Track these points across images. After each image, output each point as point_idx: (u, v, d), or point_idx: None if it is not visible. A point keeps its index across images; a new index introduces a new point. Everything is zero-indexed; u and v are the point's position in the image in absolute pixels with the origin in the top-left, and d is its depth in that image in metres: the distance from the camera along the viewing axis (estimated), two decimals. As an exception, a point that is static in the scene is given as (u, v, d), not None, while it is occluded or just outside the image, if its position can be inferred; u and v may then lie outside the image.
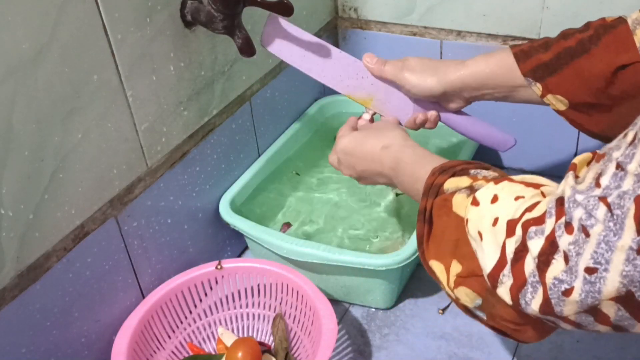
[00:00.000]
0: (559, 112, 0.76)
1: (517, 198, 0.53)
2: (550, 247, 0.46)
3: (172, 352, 0.84)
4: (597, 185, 0.44)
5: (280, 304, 0.86)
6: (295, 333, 0.84)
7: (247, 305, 0.88)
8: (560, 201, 0.47)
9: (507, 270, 0.51)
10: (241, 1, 0.77)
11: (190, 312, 0.86)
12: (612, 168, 0.43)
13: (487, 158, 1.15)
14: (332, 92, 1.22)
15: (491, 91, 0.79)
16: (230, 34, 0.78)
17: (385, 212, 1.01)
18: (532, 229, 0.48)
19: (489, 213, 0.54)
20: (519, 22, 1.01)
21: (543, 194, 0.54)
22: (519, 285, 0.49)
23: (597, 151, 0.48)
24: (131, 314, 0.80)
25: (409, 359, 0.85)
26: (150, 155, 0.79)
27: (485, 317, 0.57)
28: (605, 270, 0.43)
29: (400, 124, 0.85)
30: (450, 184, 0.60)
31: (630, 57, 0.69)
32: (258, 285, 0.87)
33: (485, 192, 0.56)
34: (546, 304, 0.47)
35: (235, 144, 0.97)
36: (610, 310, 0.45)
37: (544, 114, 0.94)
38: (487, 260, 0.53)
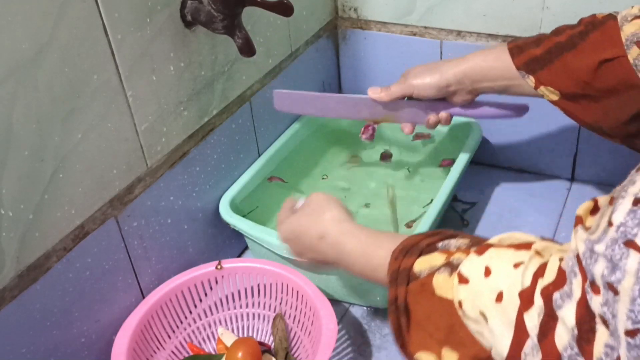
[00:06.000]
0: (552, 102, 0.80)
1: (516, 265, 0.48)
2: (587, 313, 0.40)
3: (172, 352, 0.84)
4: (610, 224, 0.38)
5: (280, 304, 0.86)
6: (295, 333, 0.84)
7: (247, 305, 0.88)
8: (579, 258, 0.41)
9: (530, 347, 0.44)
10: (241, 1, 0.77)
11: (190, 312, 0.86)
12: (627, 204, 0.37)
13: (488, 156, 1.15)
14: (332, 91, 1.23)
15: (490, 84, 0.84)
16: (230, 34, 0.78)
17: (382, 214, 1.01)
18: (557, 295, 0.42)
19: (487, 288, 0.48)
20: (519, 22, 1.01)
21: (539, 253, 0.48)
22: None
23: (602, 197, 0.43)
24: (131, 314, 0.80)
25: (409, 359, 0.85)
26: (150, 155, 0.79)
27: None
28: None
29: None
30: (422, 265, 0.55)
31: (615, 52, 0.72)
32: (258, 285, 0.87)
33: (472, 266, 0.50)
34: None
35: (235, 144, 0.97)
36: None
37: (543, 115, 0.94)
38: (500, 341, 0.47)
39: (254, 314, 0.89)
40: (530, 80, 0.80)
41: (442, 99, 0.88)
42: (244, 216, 0.93)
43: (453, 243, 0.55)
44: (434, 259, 0.54)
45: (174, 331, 0.84)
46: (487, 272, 0.48)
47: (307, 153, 1.11)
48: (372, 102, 0.89)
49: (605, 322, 0.38)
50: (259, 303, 0.88)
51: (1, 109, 0.59)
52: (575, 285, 0.41)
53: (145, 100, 0.76)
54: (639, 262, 0.35)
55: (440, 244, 0.56)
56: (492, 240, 0.53)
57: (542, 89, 0.79)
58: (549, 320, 0.43)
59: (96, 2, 0.66)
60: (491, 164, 1.17)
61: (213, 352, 0.86)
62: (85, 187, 0.71)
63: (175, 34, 0.78)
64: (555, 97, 0.79)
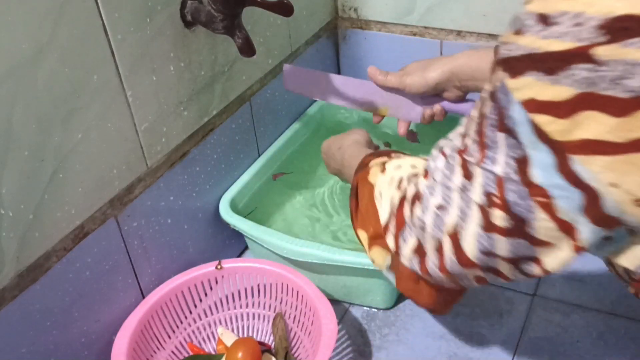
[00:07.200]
0: None
1: (413, 166, 0.65)
2: (417, 192, 0.58)
3: (172, 352, 0.84)
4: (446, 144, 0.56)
5: (280, 304, 0.86)
6: (295, 333, 0.84)
7: (247, 305, 0.88)
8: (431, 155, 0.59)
9: (393, 218, 0.61)
10: (241, 1, 0.77)
11: (190, 312, 0.86)
12: (456, 131, 0.54)
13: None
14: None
15: (476, 82, 0.88)
16: (230, 34, 0.78)
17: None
18: (413, 179, 0.60)
19: (389, 176, 0.65)
20: (519, 22, 1.01)
21: None
22: (399, 227, 0.59)
23: None
24: (131, 314, 0.80)
25: (409, 359, 0.85)
26: (150, 155, 0.80)
27: (394, 279, 0.65)
28: (450, 205, 0.53)
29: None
30: (373, 162, 0.70)
31: None
32: (258, 285, 0.87)
33: (392, 163, 0.67)
34: (418, 244, 0.57)
35: (235, 144, 0.97)
36: (447, 246, 0.54)
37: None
38: (382, 214, 0.63)
39: (254, 314, 0.89)
40: None
41: (435, 95, 0.93)
42: (244, 217, 0.93)
43: (399, 154, 0.71)
44: (382, 159, 0.70)
45: (174, 331, 0.84)
46: (398, 167, 0.66)
47: (307, 153, 1.11)
48: (372, 89, 0.95)
49: (423, 198, 0.56)
50: (259, 303, 0.88)
51: (1, 109, 0.59)
52: (420, 175, 0.59)
53: (145, 100, 0.76)
54: (444, 163, 0.54)
55: (393, 154, 0.71)
56: (418, 155, 0.69)
57: None
58: (403, 197, 0.59)
59: (96, 2, 0.66)
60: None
61: (213, 352, 0.86)
62: (85, 187, 0.71)
63: (175, 34, 0.78)
64: None
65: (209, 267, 0.86)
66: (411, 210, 0.57)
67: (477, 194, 0.49)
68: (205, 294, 0.87)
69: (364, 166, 0.71)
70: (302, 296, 0.82)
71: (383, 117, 0.98)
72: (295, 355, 0.83)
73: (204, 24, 0.78)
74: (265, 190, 1.03)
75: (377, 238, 0.63)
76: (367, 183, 0.67)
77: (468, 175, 0.50)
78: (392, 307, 0.92)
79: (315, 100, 1.17)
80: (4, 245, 0.63)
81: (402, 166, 0.65)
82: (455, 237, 0.52)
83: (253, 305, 0.88)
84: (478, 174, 0.49)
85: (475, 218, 0.50)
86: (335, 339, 0.75)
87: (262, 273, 0.86)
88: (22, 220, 0.64)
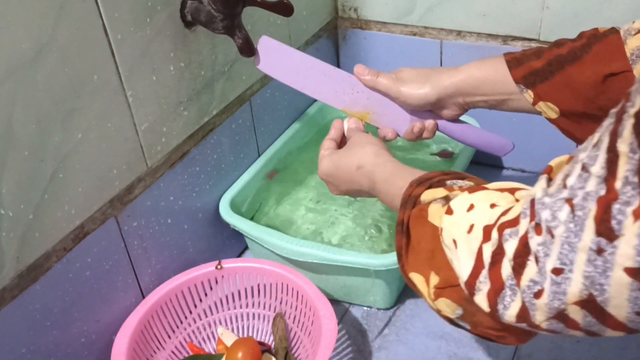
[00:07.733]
0: (550, 120, 0.76)
1: (492, 205, 0.53)
2: (524, 249, 0.46)
3: (172, 352, 0.84)
4: (564, 186, 0.43)
5: (280, 304, 0.86)
6: (295, 333, 0.84)
7: (247, 305, 0.88)
8: (532, 202, 0.46)
9: (483, 276, 0.49)
10: (241, 1, 0.77)
11: (190, 312, 0.86)
12: (577, 169, 0.43)
13: (489, 158, 1.15)
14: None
15: (484, 97, 0.78)
16: (230, 34, 0.78)
17: (386, 211, 1.01)
18: (507, 231, 0.48)
19: (464, 221, 0.53)
20: (519, 22, 1.01)
21: (517, 200, 0.53)
22: (496, 289, 0.48)
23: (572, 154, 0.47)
24: (131, 314, 0.80)
25: (409, 359, 0.85)
26: (150, 155, 0.80)
27: (468, 327, 0.56)
28: (570, 271, 0.42)
29: (398, 134, 0.85)
30: (427, 195, 0.60)
31: (620, 66, 0.69)
32: (258, 285, 0.87)
33: (460, 201, 0.55)
34: (523, 309, 0.47)
35: (235, 144, 0.97)
36: (577, 315, 0.44)
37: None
38: (463, 268, 0.52)
39: (254, 314, 0.89)
40: (529, 95, 0.75)
41: (427, 110, 0.82)
42: (250, 219, 0.93)
43: (459, 183, 0.60)
44: (438, 192, 0.59)
45: (174, 331, 0.84)
46: (470, 207, 0.54)
47: (307, 153, 1.11)
48: (358, 87, 0.82)
49: (537, 260, 0.44)
50: (259, 303, 0.88)
51: (1, 109, 0.59)
52: (523, 225, 0.46)
53: (145, 100, 0.76)
54: (567, 214, 0.42)
55: (449, 182, 0.60)
56: (488, 185, 0.58)
57: (540, 105, 0.75)
58: (499, 252, 0.48)
59: (96, 2, 0.66)
60: (491, 164, 1.17)
61: (213, 352, 0.86)
62: (85, 187, 0.71)
63: (175, 34, 0.78)
64: (554, 115, 0.75)
65: (209, 267, 0.86)
66: (515, 271, 0.46)
67: (628, 258, 0.39)
68: (205, 294, 0.87)
69: (414, 200, 0.61)
70: (302, 296, 0.82)
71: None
72: (295, 355, 0.83)
73: (204, 24, 0.78)
74: (264, 190, 1.03)
75: (445, 288, 0.55)
76: (427, 224, 0.57)
77: (609, 233, 0.40)
78: (392, 307, 0.92)
79: (316, 100, 1.17)
80: (4, 245, 0.63)
81: (476, 206, 0.54)
82: (588, 304, 0.42)
83: (253, 305, 0.88)
84: (632, 230, 0.39)
85: (622, 282, 0.40)
86: (335, 339, 0.75)
87: (262, 273, 0.86)
88: (22, 220, 0.64)
